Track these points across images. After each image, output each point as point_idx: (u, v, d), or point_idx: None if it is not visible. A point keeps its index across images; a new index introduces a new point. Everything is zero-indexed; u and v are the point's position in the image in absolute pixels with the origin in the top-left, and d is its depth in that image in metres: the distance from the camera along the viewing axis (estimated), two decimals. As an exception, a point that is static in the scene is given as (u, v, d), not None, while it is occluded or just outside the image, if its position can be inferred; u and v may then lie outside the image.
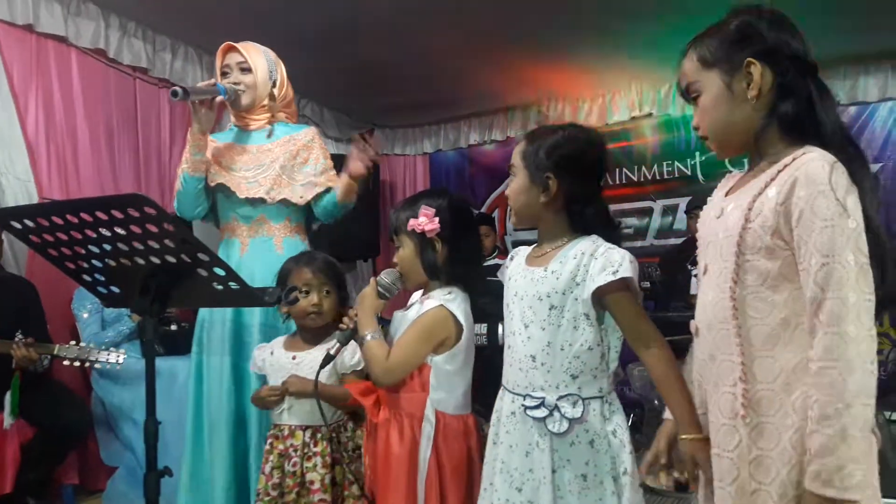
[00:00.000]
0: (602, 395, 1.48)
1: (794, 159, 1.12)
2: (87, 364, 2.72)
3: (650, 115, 5.10)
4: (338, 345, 1.77)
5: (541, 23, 3.95)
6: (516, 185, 1.56)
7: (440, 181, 6.12)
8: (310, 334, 2.05)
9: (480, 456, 1.68)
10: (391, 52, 4.33)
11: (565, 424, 1.44)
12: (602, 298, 1.45)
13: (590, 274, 1.44)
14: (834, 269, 1.04)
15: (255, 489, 2.02)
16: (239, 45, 2.32)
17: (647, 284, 3.96)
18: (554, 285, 1.47)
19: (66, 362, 2.71)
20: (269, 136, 2.38)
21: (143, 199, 1.23)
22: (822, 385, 1.04)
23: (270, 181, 2.31)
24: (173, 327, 3.43)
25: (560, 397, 1.45)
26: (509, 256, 1.67)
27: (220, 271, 1.36)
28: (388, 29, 3.99)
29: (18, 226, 1.39)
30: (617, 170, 5.35)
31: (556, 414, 1.44)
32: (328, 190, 2.39)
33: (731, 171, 1.37)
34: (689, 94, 1.28)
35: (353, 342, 1.90)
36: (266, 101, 2.38)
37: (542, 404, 1.46)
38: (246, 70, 2.31)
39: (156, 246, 1.33)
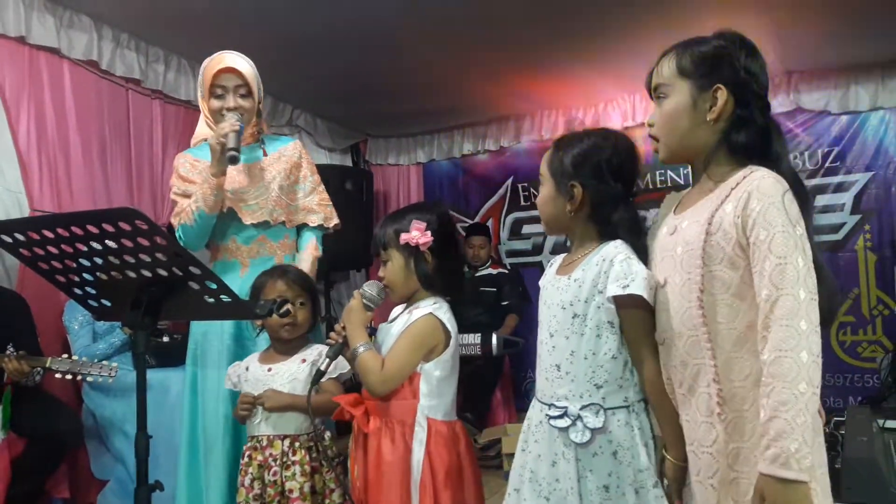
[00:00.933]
0: (628, 405, 1.46)
1: (744, 177, 1.24)
2: (80, 377, 2.70)
3: (643, 124, 5.11)
4: (327, 360, 1.79)
5: (534, 33, 3.96)
6: (544, 195, 1.57)
7: (434, 191, 6.12)
8: (284, 346, 2.07)
9: (470, 461, 1.74)
10: (385, 62, 4.34)
11: (587, 434, 1.43)
12: (616, 308, 1.45)
13: (609, 280, 1.43)
14: (787, 269, 1.15)
15: None
16: (239, 67, 2.26)
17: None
18: (577, 293, 1.47)
19: (58, 375, 2.70)
20: (265, 154, 2.37)
21: (135, 212, 1.22)
22: (777, 374, 1.13)
23: (272, 203, 2.32)
24: (165, 339, 3.42)
25: (583, 407, 1.45)
26: (549, 264, 1.68)
27: (211, 284, 1.35)
28: (382, 39, 4.00)
29: (9, 239, 1.38)
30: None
31: (578, 424, 1.44)
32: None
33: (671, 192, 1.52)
34: (655, 93, 1.38)
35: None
36: (254, 119, 2.36)
37: (564, 414, 1.46)
38: (246, 95, 2.28)
39: (147, 259, 1.33)
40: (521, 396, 5.25)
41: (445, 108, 5.38)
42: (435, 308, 1.74)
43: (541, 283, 1.64)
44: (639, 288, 1.39)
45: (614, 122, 5.18)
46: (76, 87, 3.60)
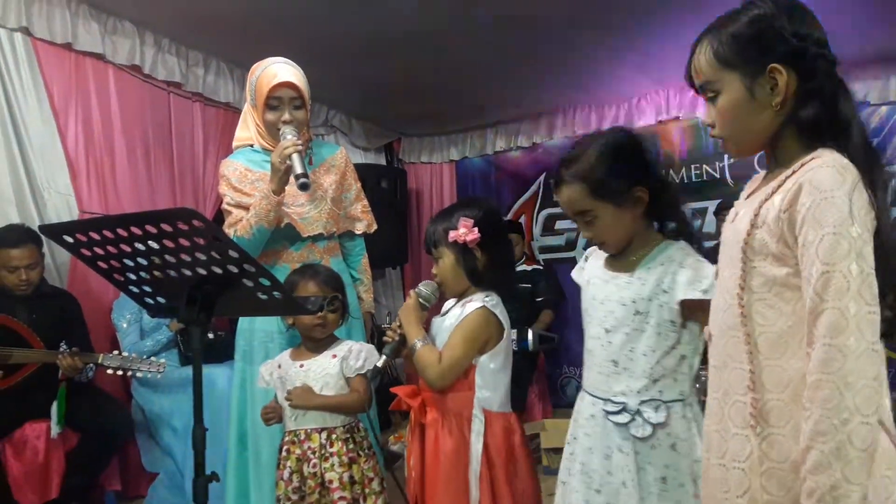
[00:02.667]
0: (683, 399, 1.49)
1: (801, 165, 1.09)
2: (129, 373, 2.79)
3: (677, 118, 5.08)
4: (384, 358, 1.82)
5: (567, 30, 3.96)
6: (606, 223, 1.51)
7: (466, 188, 6.15)
8: (315, 343, 2.11)
9: (525, 453, 1.77)
10: (418, 62, 4.38)
11: (649, 429, 1.45)
12: (688, 311, 1.46)
13: (677, 282, 1.45)
14: (833, 278, 0.99)
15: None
16: (294, 80, 2.27)
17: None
18: (639, 291, 1.49)
19: (109, 371, 2.79)
20: (311, 162, 2.40)
21: (193, 212, 1.27)
22: (817, 399, 0.99)
23: (325, 215, 2.37)
24: (210, 336, 3.50)
25: (642, 402, 1.47)
26: (584, 257, 1.69)
27: (265, 281, 1.40)
28: (416, 40, 4.04)
29: (71, 240, 1.44)
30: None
31: (638, 419, 1.46)
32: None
33: (757, 173, 1.32)
34: (702, 92, 1.22)
35: (367, 346, 2.03)
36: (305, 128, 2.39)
37: (623, 409, 1.48)
38: (300, 107, 2.30)
39: (202, 257, 1.37)
40: (555, 392, 5.27)
41: (478, 107, 5.41)
42: (487, 301, 1.78)
43: (583, 277, 1.64)
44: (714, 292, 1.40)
45: (648, 117, 5.16)
46: (120, 92, 3.70)
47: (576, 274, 1.70)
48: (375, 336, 2.71)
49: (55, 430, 2.82)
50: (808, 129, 1.13)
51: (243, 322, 2.40)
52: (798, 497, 1.04)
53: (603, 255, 1.61)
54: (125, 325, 3.36)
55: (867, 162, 1.07)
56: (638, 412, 1.46)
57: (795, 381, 1.07)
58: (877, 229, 1.04)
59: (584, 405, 1.57)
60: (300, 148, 2.17)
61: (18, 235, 2.90)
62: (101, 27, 3.56)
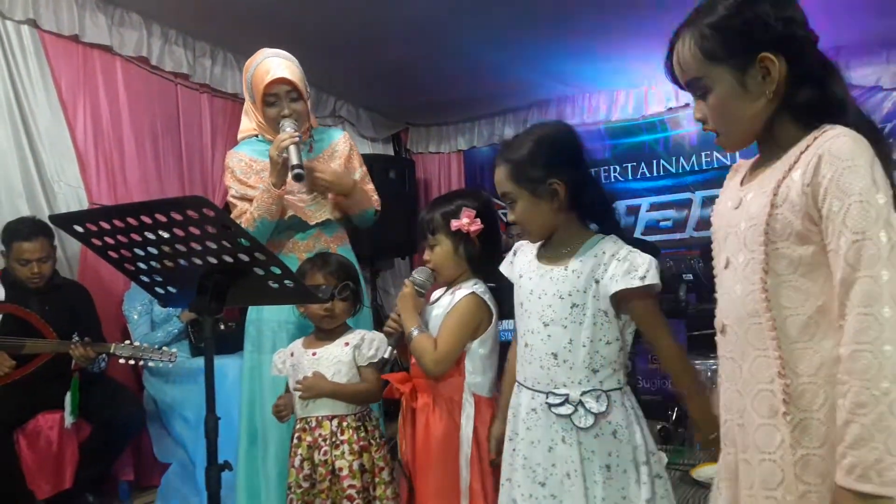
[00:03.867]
0: (621, 387, 1.52)
1: (815, 139, 1.06)
2: (141, 362, 2.81)
3: (687, 105, 5.04)
4: (391, 349, 1.86)
5: (575, 17, 3.93)
6: (523, 208, 1.55)
7: (475, 178, 6.13)
8: (327, 332, 2.11)
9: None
10: (424, 51, 4.36)
11: (591, 419, 1.48)
12: (624, 302, 1.49)
13: (610, 274, 1.47)
14: (864, 246, 0.97)
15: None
16: (288, 75, 2.25)
17: (690, 277, 3.93)
18: (575, 284, 1.50)
19: (121, 360, 2.81)
20: (311, 149, 2.39)
21: (203, 200, 1.27)
22: (855, 370, 0.96)
23: (331, 202, 2.37)
24: (221, 327, 3.50)
25: (583, 393, 1.49)
26: (512, 251, 1.70)
27: (276, 270, 1.39)
28: (421, 29, 4.02)
29: (81, 230, 1.44)
30: (654, 161, 5.31)
31: (580, 409, 1.48)
32: None
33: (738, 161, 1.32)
34: (690, 89, 1.20)
35: (379, 335, 2.02)
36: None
37: (566, 401, 1.49)
38: (297, 99, 2.29)
39: (213, 246, 1.37)
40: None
41: (486, 95, 5.38)
42: (476, 287, 1.82)
43: (514, 271, 1.64)
44: (654, 277, 1.45)
45: (658, 104, 5.13)
46: (128, 83, 3.71)
47: (504, 268, 1.71)
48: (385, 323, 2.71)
49: (69, 420, 2.84)
50: (805, 112, 1.11)
51: (252, 312, 2.40)
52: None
53: (533, 249, 1.63)
54: (136, 317, 3.37)
55: (869, 136, 1.05)
56: (580, 403, 1.48)
57: (829, 362, 1.04)
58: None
59: (524, 399, 1.57)
60: (296, 140, 2.17)
61: (30, 228, 2.91)
62: (108, 19, 3.56)
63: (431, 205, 1.92)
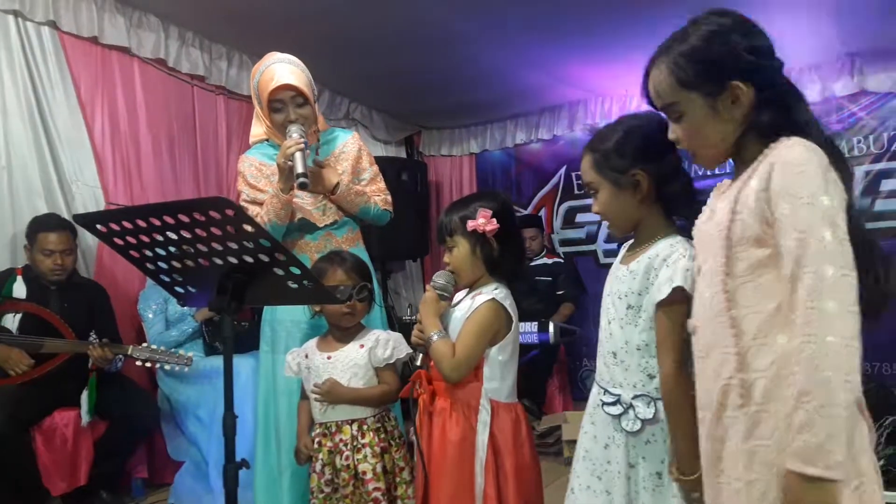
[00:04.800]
0: None
1: (772, 149, 1.14)
2: (157, 365, 2.84)
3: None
4: (421, 356, 1.84)
5: (588, 21, 3.95)
6: (605, 199, 1.52)
7: (486, 181, 6.15)
8: (342, 333, 2.11)
9: (530, 443, 1.79)
10: (439, 55, 4.38)
11: (638, 424, 1.45)
12: (657, 307, 1.44)
13: (659, 280, 1.43)
14: (809, 244, 1.03)
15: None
16: (292, 81, 2.26)
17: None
18: (630, 285, 1.48)
19: (138, 363, 2.84)
20: (318, 153, 2.40)
21: (225, 201, 1.29)
22: (801, 360, 1.02)
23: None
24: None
25: (636, 396, 1.47)
26: (622, 247, 1.66)
27: (295, 270, 1.41)
28: (436, 33, 4.04)
29: (104, 229, 1.46)
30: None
31: (630, 412, 1.47)
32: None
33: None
34: (665, 111, 1.27)
35: (394, 335, 2.04)
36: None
37: (618, 401, 1.48)
38: (303, 104, 2.30)
39: (234, 246, 1.39)
40: (576, 385, 5.26)
41: (498, 99, 5.40)
42: (496, 293, 1.79)
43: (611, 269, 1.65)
44: (679, 279, 1.38)
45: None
46: (146, 85, 3.75)
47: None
48: (396, 326, 2.72)
49: (85, 419, 2.87)
50: (769, 131, 1.18)
51: (266, 311, 2.42)
52: (781, 475, 1.06)
53: (626, 246, 1.61)
54: (151, 316, 3.40)
55: (829, 152, 1.12)
56: (631, 406, 1.47)
57: (780, 356, 1.10)
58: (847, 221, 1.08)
59: (593, 394, 1.60)
60: (302, 147, 2.18)
61: (55, 221, 3.02)
62: (127, 21, 3.60)
63: (449, 208, 1.91)
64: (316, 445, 2.04)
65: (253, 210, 2.34)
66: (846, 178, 1.12)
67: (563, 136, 5.70)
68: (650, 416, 1.44)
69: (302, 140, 2.20)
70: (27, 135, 3.21)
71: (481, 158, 6.22)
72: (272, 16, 3.72)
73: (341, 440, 2.01)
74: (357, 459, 1.98)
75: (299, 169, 2.14)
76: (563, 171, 5.82)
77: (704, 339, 1.24)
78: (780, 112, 1.18)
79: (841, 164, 1.13)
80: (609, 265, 1.64)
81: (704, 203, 1.45)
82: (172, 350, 2.93)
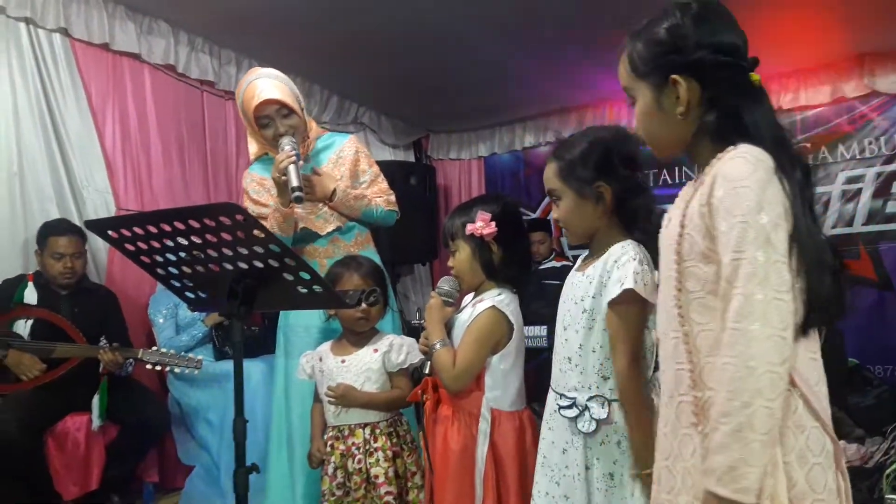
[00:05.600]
0: None
1: (718, 159, 1.10)
2: (168, 368, 2.85)
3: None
4: (429, 363, 1.84)
5: (596, 24, 3.94)
6: (566, 207, 1.56)
7: (495, 184, 6.14)
8: (356, 337, 2.12)
9: (535, 449, 1.75)
10: (447, 59, 4.39)
11: (593, 425, 1.48)
12: (608, 307, 1.47)
13: (610, 280, 1.47)
14: (741, 265, 1.01)
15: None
16: (274, 96, 2.26)
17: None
18: (586, 289, 1.51)
19: (148, 366, 2.86)
20: (307, 160, 2.40)
21: (235, 207, 1.30)
22: (722, 381, 1.01)
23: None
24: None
25: (590, 398, 1.49)
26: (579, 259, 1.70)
27: (305, 275, 1.41)
28: (445, 37, 4.05)
29: (115, 235, 1.47)
30: (676, 168, 5.29)
31: (585, 414, 1.49)
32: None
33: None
34: (627, 96, 1.26)
35: (408, 340, 2.05)
36: (304, 126, 2.40)
37: (573, 404, 1.51)
38: (288, 115, 2.31)
39: (244, 251, 1.39)
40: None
41: (507, 102, 5.40)
42: (498, 300, 1.78)
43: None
44: (629, 282, 1.42)
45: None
46: (156, 91, 3.77)
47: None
48: (405, 330, 2.72)
49: (96, 423, 2.89)
50: (716, 134, 1.14)
51: (281, 318, 2.43)
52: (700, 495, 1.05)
53: (583, 257, 1.64)
54: (161, 321, 3.42)
55: (778, 156, 1.07)
56: (586, 408, 1.49)
57: None
58: (792, 228, 1.04)
59: (549, 400, 1.60)
60: (293, 159, 2.18)
61: (66, 226, 3.06)
62: (138, 27, 3.63)
63: (453, 212, 1.91)
64: (328, 448, 2.05)
65: None
66: (793, 178, 1.07)
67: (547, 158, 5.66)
68: (604, 416, 1.47)
69: (293, 153, 2.20)
70: (38, 141, 3.24)
71: (490, 162, 6.22)
72: (280, 21, 3.74)
73: (354, 443, 2.01)
74: (369, 463, 1.99)
75: (293, 182, 2.14)
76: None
77: (664, 351, 1.22)
78: (726, 113, 1.13)
79: (793, 164, 1.09)
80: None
81: (652, 219, 1.50)
82: (182, 353, 2.94)
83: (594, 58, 4.48)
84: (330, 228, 2.40)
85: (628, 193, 1.52)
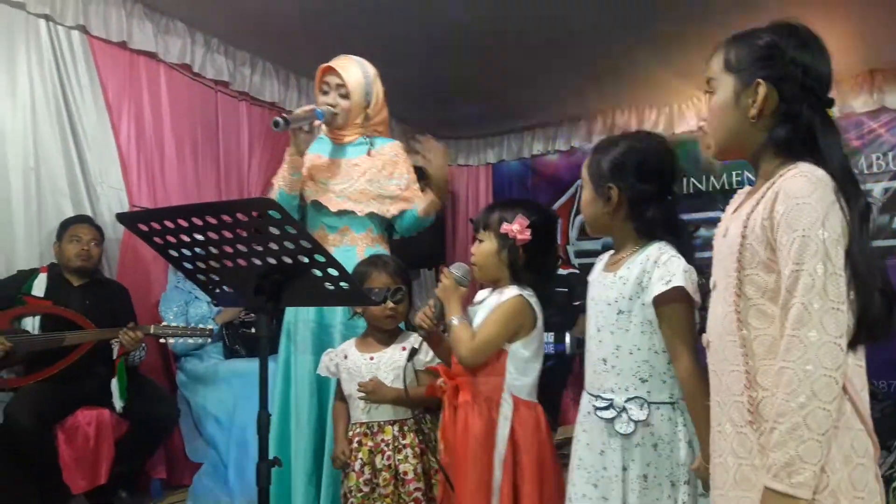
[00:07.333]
0: (673, 401, 1.51)
1: (780, 176, 1.17)
2: (183, 340, 3.01)
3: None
4: (420, 339, 1.90)
5: (607, 33, 3.97)
6: (585, 197, 1.66)
7: (503, 191, 6.16)
8: (383, 335, 2.14)
9: (550, 441, 1.82)
10: (458, 65, 4.42)
11: (631, 426, 1.49)
12: (656, 307, 1.50)
13: (651, 280, 1.49)
14: (801, 276, 1.07)
15: (340, 487, 2.10)
16: (339, 68, 2.39)
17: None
18: (621, 290, 1.53)
19: (161, 340, 3.00)
20: (370, 154, 2.47)
21: (270, 202, 1.31)
22: (780, 384, 1.08)
23: (357, 193, 2.42)
24: (253, 330, 3.56)
25: (628, 399, 1.51)
26: (598, 260, 1.73)
27: (334, 271, 1.43)
28: (455, 43, 4.08)
29: (145, 228, 1.49)
30: (684, 179, 5.31)
31: (623, 415, 1.50)
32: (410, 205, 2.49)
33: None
34: (707, 87, 1.32)
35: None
36: (359, 120, 2.46)
37: (610, 405, 1.52)
38: (344, 95, 2.40)
39: (274, 247, 1.41)
40: (589, 397, 5.24)
41: (516, 110, 5.43)
42: (524, 291, 1.83)
43: (589, 278, 1.70)
44: (679, 280, 1.45)
45: (689, 122, 5.13)
46: (171, 90, 3.80)
47: (592, 276, 1.74)
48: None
49: (118, 403, 2.92)
50: (783, 147, 1.21)
51: (288, 314, 2.44)
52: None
53: (605, 257, 1.68)
54: (171, 317, 3.42)
55: (843, 183, 1.14)
56: (623, 409, 1.50)
57: None
58: (847, 249, 1.10)
59: (583, 403, 1.62)
60: (307, 109, 2.32)
61: (86, 219, 3.18)
62: (155, 26, 3.66)
63: (494, 204, 1.96)
64: (356, 445, 2.06)
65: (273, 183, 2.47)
66: (856, 204, 1.13)
67: (582, 148, 5.70)
68: (643, 417, 1.49)
69: (313, 109, 2.34)
70: (55, 136, 3.26)
71: (498, 168, 6.25)
72: (295, 24, 3.77)
73: (383, 440, 2.03)
74: (398, 460, 2.00)
75: (289, 117, 2.24)
76: (579, 182, 5.80)
77: (717, 355, 1.27)
78: (797, 130, 1.19)
79: (854, 194, 1.14)
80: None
81: (692, 230, 1.59)
82: (191, 348, 2.99)
83: (605, 66, 4.52)
84: (340, 207, 2.42)
85: (641, 201, 1.56)
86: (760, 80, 1.20)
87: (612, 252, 1.68)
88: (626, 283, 1.52)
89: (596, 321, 1.58)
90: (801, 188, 1.11)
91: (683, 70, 4.53)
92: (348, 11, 3.64)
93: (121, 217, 1.53)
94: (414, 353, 1.93)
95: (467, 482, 1.77)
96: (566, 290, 4.93)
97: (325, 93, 2.43)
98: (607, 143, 1.65)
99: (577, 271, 5.20)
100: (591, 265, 5.43)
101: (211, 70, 3.99)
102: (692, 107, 5.13)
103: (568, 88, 4.94)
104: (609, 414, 1.51)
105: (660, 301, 1.48)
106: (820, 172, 1.13)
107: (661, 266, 1.49)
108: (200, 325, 3.40)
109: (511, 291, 1.82)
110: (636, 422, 1.49)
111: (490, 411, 1.79)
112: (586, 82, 4.83)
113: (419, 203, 2.48)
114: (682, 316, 1.48)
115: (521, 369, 1.81)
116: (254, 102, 4.31)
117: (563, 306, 4.86)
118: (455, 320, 1.82)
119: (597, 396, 1.55)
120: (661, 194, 1.59)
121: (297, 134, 2.32)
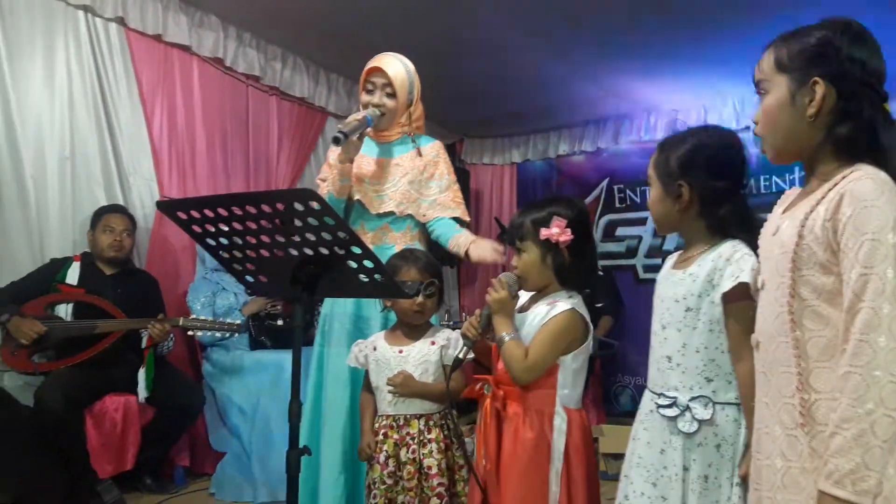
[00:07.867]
0: (738, 402, 1.48)
1: (843, 177, 1.14)
2: (210, 332, 3.04)
3: (748, 128, 5.00)
4: (466, 349, 1.85)
5: (635, 34, 3.95)
6: (653, 196, 1.61)
7: (527, 191, 6.15)
8: (412, 329, 2.14)
9: (593, 451, 1.81)
10: (485, 65, 4.42)
11: (695, 425, 1.47)
12: (724, 304, 1.47)
13: (724, 277, 1.46)
14: (870, 280, 1.05)
15: (365, 479, 2.11)
16: (386, 67, 2.39)
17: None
18: (690, 288, 1.50)
19: (189, 332, 3.04)
20: (419, 153, 2.48)
21: (311, 193, 1.32)
22: (846, 389, 1.05)
23: (399, 195, 2.43)
24: (280, 322, 3.59)
25: (692, 398, 1.48)
26: (668, 258, 1.71)
27: (369, 263, 1.44)
28: (483, 43, 4.09)
29: (184, 216, 1.51)
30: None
31: (686, 414, 1.48)
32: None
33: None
34: (757, 89, 1.29)
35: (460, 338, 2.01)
36: (403, 119, 2.48)
37: (674, 404, 1.50)
38: (391, 95, 2.41)
39: (311, 238, 1.42)
40: (609, 400, 5.21)
41: (543, 110, 5.41)
42: (575, 303, 1.78)
43: (658, 277, 1.67)
44: (746, 276, 1.42)
45: (724, 124, 5.08)
46: (203, 83, 3.85)
47: (658, 274, 1.72)
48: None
49: (143, 394, 2.97)
50: (844, 147, 1.18)
51: (325, 306, 2.46)
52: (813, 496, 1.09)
53: (675, 257, 1.65)
54: (199, 308, 3.46)
55: None
56: (687, 408, 1.48)
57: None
58: None
59: (645, 401, 1.61)
60: (359, 118, 2.31)
61: (120, 208, 3.26)
62: (189, 20, 3.70)
63: (522, 210, 1.89)
64: (381, 437, 2.06)
65: (322, 187, 2.47)
66: None
67: (607, 149, 5.68)
68: (707, 416, 1.46)
69: (364, 116, 2.33)
70: (91, 127, 3.32)
71: (523, 168, 6.24)
72: (325, 21, 3.80)
73: (409, 434, 2.04)
74: (423, 454, 2.01)
75: (345, 130, 2.23)
76: (605, 183, 5.80)
77: (767, 355, 1.25)
78: (859, 129, 1.17)
79: None
80: (648, 280, 1.67)
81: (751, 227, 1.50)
82: (217, 338, 3.04)
83: (633, 67, 4.50)
84: (383, 209, 2.43)
85: (713, 199, 1.52)
86: (818, 79, 1.18)
87: (680, 252, 1.65)
88: (696, 281, 1.49)
89: (661, 318, 1.56)
90: (870, 191, 1.09)
91: (714, 72, 4.50)
92: (379, 9, 3.66)
93: (161, 205, 1.55)
94: (458, 363, 1.88)
95: (514, 496, 1.74)
96: (588, 290, 4.92)
97: (370, 91, 2.42)
98: (675, 139, 1.60)
99: (599, 273, 5.18)
100: (614, 268, 5.44)
101: (243, 64, 4.04)
102: (722, 109, 5.07)
103: (596, 89, 4.91)
104: (672, 412, 1.49)
105: (729, 298, 1.45)
106: (885, 175, 1.11)
107: (734, 263, 1.46)
108: (228, 319, 3.47)
109: (562, 305, 1.76)
110: (700, 421, 1.46)
111: (542, 424, 1.75)
112: (617, 84, 4.80)
113: (455, 211, 2.50)
114: (745, 316, 1.43)
115: (571, 381, 1.77)
116: (284, 97, 4.35)
117: (588, 306, 4.85)
118: (506, 337, 1.76)
119: (660, 394, 1.53)
120: (733, 190, 1.55)
121: (349, 141, 2.29)
